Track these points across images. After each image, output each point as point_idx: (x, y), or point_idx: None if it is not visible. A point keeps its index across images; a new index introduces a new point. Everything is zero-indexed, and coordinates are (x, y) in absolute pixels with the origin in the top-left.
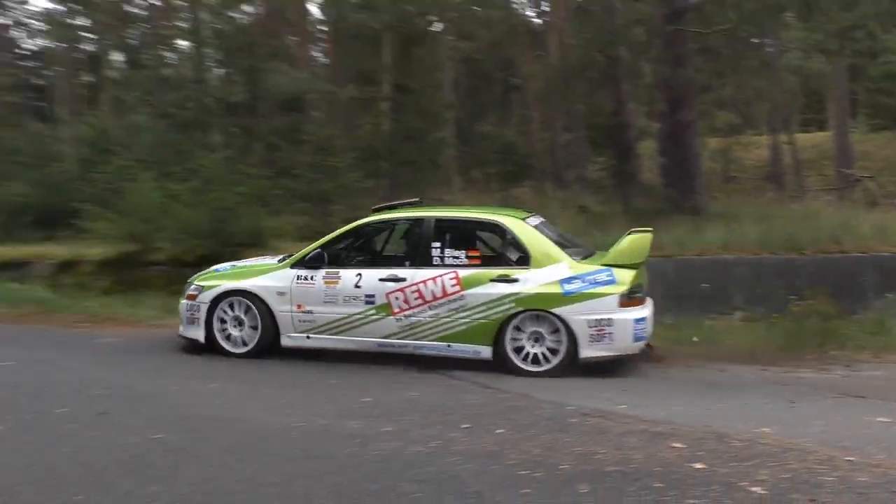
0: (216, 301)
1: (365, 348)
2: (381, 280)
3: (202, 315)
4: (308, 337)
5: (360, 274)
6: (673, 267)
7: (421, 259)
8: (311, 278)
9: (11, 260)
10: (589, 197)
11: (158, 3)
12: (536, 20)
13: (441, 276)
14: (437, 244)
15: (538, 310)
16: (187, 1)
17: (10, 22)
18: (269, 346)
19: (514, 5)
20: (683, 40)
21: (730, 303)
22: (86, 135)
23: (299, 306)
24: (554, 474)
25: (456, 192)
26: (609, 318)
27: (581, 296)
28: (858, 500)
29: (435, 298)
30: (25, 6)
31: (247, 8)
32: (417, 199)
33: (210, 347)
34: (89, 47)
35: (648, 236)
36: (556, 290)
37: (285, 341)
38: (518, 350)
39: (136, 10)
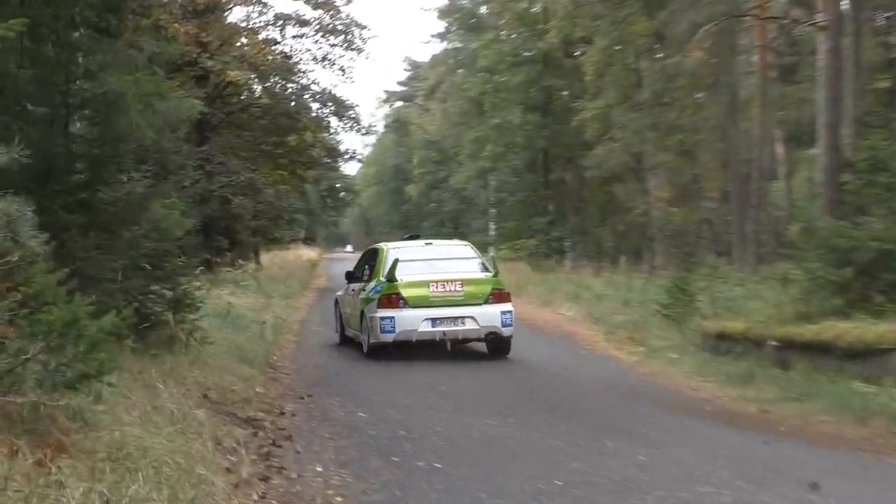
0: (335, 303)
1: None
2: (353, 290)
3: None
4: (346, 330)
5: (354, 287)
6: None
7: (365, 275)
8: (347, 289)
9: (863, 346)
10: None
11: None
12: None
13: (365, 285)
14: (368, 265)
15: (363, 309)
16: None
17: None
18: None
19: None
20: None
21: None
22: None
23: (343, 310)
24: None
25: None
26: (372, 317)
27: (369, 300)
28: None
29: (364, 298)
30: None
31: None
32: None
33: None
34: None
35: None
36: (369, 296)
37: (346, 332)
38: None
39: None
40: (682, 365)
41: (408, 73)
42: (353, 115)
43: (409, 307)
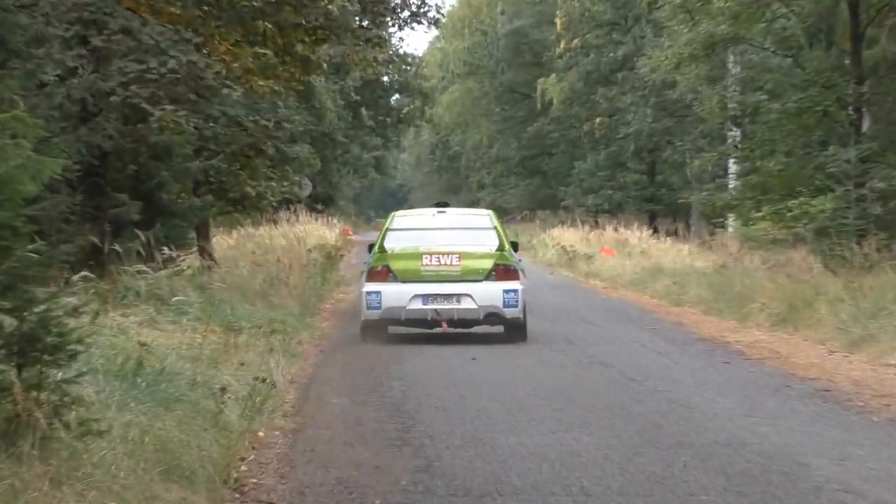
0: None
1: None
2: None
3: None
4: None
5: None
6: None
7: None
8: None
9: None
10: None
11: None
12: None
13: None
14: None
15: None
16: None
17: None
18: None
19: None
20: None
21: None
22: None
23: None
24: None
25: None
26: (360, 291)
27: (362, 273)
28: None
29: None
30: None
31: None
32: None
33: None
34: None
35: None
36: (362, 269)
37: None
38: None
39: None
40: None
41: None
42: None
43: (398, 281)
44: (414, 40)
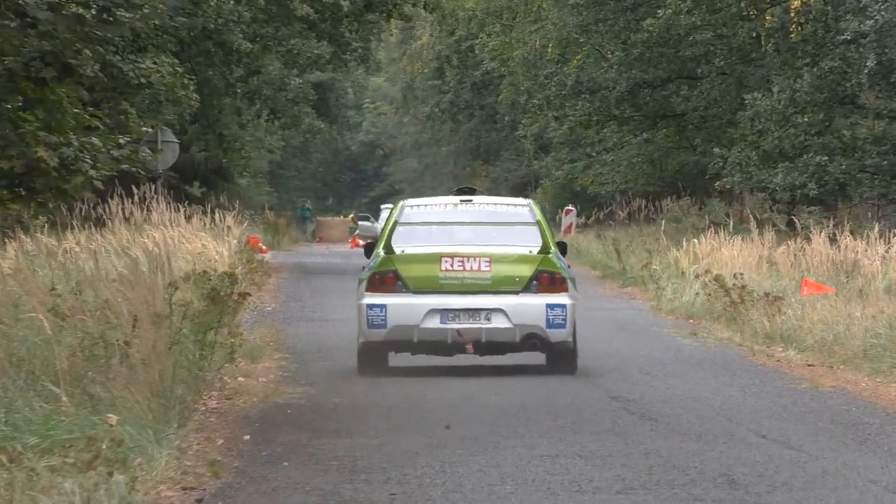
0: None
1: None
2: None
3: None
4: None
5: None
6: None
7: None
8: None
9: None
10: None
11: None
12: None
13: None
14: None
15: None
16: None
17: None
18: None
19: None
20: None
21: None
22: None
23: None
24: None
25: None
26: (359, 304)
27: (361, 280)
28: None
29: None
30: None
31: None
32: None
33: None
34: None
35: None
36: (361, 275)
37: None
38: None
39: None
40: None
41: None
42: None
43: (410, 292)
44: None
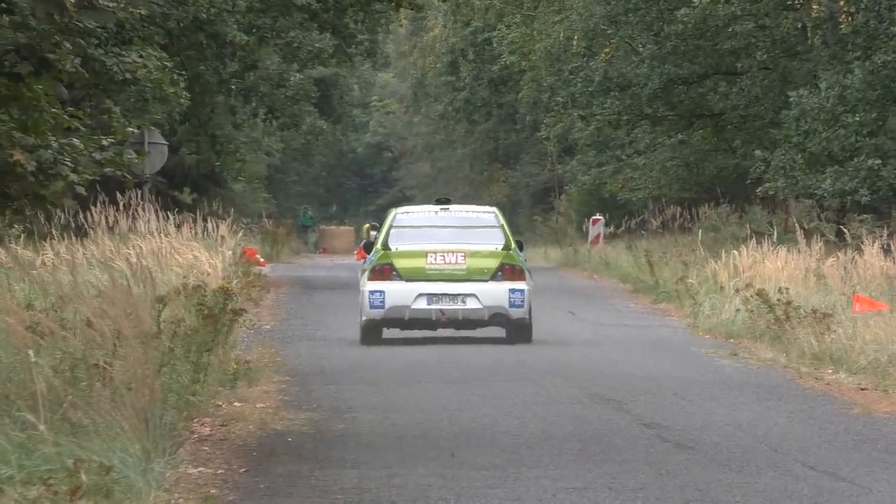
0: None
1: None
2: None
3: None
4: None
5: None
6: None
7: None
8: None
9: None
10: None
11: None
12: None
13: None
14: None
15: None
16: None
17: None
18: None
19: None
20: None
21: None
22: None
23: None
24: None
25: None
26: (361, 290)
27: (363, 271)
28: None
29: None
30: None
31: None
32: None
33: None
34: None
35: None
36: (363, 266)
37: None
38: None
39: None
40: None
41: None
42: None
43: (402, 280)
44: None
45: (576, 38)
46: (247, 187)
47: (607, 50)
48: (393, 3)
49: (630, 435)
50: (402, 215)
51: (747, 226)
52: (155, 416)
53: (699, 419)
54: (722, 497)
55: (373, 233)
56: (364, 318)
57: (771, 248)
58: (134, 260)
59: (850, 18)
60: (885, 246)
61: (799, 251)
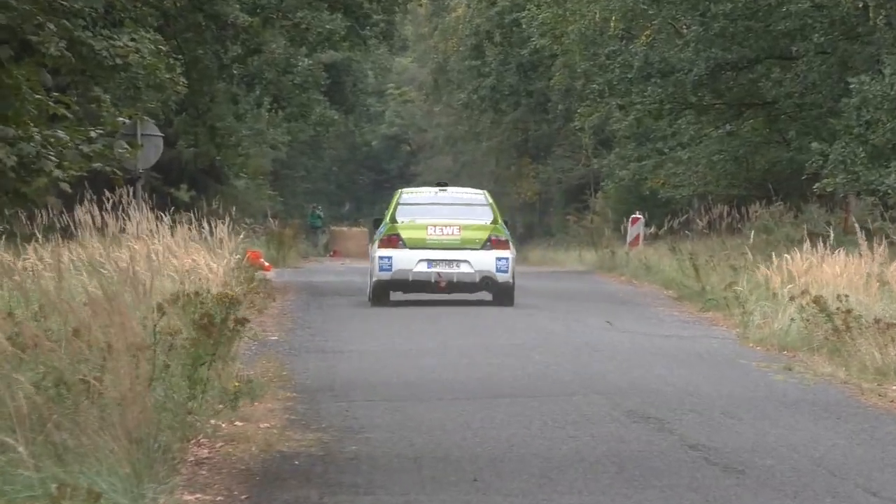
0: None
1: None
2: None
3: None
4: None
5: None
6: None
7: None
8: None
9: None
10: None
11: None
12: None
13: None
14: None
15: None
16: None
17: None
18: None
19: None
20: None
21: None
22: None
23: None
24: None
25: None
26: (372, 256)
27: (373, 241)
28: None
29: None
30: None
31: None
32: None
33: None
34: None
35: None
36: (374, 237)
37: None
38: None
39: None
40: None
41: None
42: None
43: (407, 248)
44: None
45: (613, 18)
46: (250, 184)
47: (648, 32)
48: None
49: (673, 457)
50: (408, 195)
51: (803, 226)
52: (148, 436)
53: (750, 440)
54: None
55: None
56: (374, 280)
57: (829, 251)
58: (125, 264)
59: None
60: None
61: (860, 254)
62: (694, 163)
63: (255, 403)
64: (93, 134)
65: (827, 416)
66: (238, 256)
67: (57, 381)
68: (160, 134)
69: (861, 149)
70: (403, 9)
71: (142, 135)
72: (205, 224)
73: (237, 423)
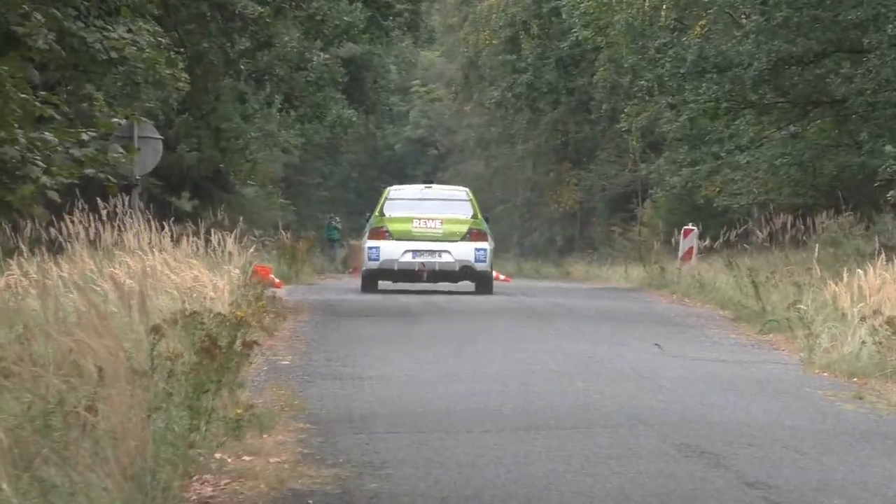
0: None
1: None
2: None
3: None
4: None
5: None
6: None
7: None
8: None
9: None
10: None
11: None
12: None
13: None
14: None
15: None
16: None
17: None
18: None
19: None
20: None
21: None
22: None
23: None
24: None
25: None
26: (362, 247)
27: (364, 233)
28: None
29: None
30: None
31: None
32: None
33: None
34: None
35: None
36: (365, 229)
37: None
38: None
39: None
40: None
41: None
42: None
43: (393, 239)
44: None
45: (664, 7)
46: (259, 192)
47: (703, 22)
48: None
49: (729, 496)
50: (395, 191)
51: (875, 239)
52: (145, 472)
53: (815, 477)
54: None
55: None
56: (364, 269)
57: None
58: (121, 281)
59: None
60: None
61: None
62: (754, 168)
63: (265, 435)
64: (84, 136)
65: None
66: (246, 273)
67: (44, 411)
68: (159, 136)
69: None
70: None
71: (139, 137)
72: (209, 237)
73: (245, 457)
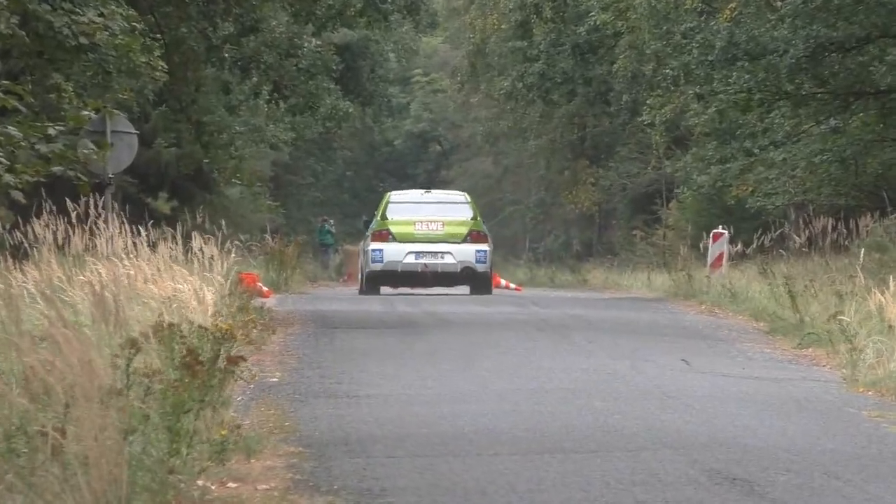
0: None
1: None
2: None
3: None
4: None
5: None
6: None
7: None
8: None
9: None
10: None
11: None
12: None
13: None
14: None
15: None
16: None
17: None
18: None
19: None
20: None
21: None
22: None
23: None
24: None
25: None
26: (365, 250)
27: (366, 236)
28: None
29: None
30: None
31: None
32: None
33: None
34: None
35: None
36: (367, 233)
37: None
38: None
39: None
40: None
41: None
42: None
43: (396, 241)
44: None
45: None
46: (245, 192)
47: (733, 5)
48: None
49: None
50: (396, 195)
51: None
52: (120, 501)
53: None
54: None
55: None
56: (366, 271)
57: None
58: (93, 290)
59: None
60: None
61: None
62: (790, 166)
63: (252, 460)
64: (52, 131)
65: None
66: (230, 281)
67: (8, 433)
68: (134, 131)
69: None
70: None
71: (112, 132)
72: (190, 241)
73: (230, 483)
